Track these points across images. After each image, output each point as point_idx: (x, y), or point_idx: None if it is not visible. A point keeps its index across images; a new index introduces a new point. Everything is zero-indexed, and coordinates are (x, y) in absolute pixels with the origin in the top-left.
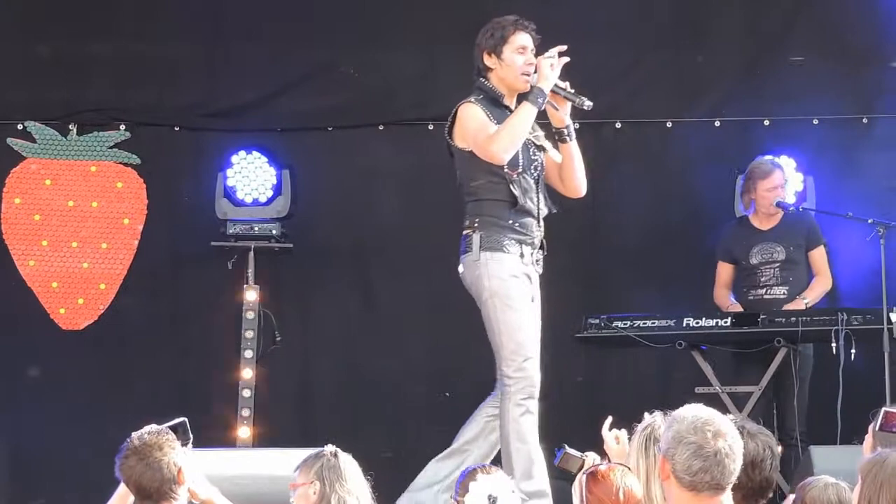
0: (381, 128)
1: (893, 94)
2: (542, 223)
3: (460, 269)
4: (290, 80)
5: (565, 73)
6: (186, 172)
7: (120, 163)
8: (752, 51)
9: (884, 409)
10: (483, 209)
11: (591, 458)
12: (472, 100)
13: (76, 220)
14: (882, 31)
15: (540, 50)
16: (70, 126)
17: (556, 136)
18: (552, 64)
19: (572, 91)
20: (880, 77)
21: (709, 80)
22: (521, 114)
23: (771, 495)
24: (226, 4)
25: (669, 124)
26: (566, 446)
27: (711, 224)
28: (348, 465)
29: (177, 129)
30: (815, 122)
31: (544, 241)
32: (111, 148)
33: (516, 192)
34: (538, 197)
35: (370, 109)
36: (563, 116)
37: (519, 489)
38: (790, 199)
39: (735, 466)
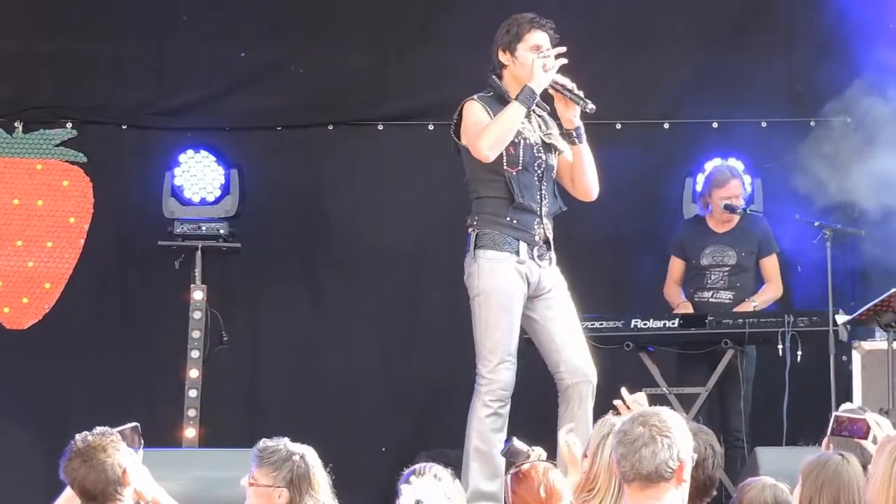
0: (330, 128)
1: (841, 97)
2: (545, 220)
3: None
4: (239, 79)
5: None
6: (133, 171)
7: (66, 161)
8: (702, 53)
9: (834, 413)
10: (483, 206)
11: (538, 453)
12: (476, 97)
13: (21, 219)
14: (829, 34)
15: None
16: (16, 123)
17: (566, 138)
18: (544, 65)
19: (579, 93)
20: (828, 80)
21: (658, 82)
22: (509, 112)
23: (715, 493)
24: (175, 3)
25: (619, 126)
26: (514, 438)
27: (660, 226)
28: (317, 467)
29: (124, 127)
30: (764, 124)
31: (550, 239)
32: (57, 146)
33: (514, 189)
34: (541, 194)
35: (319, 109)
36: (571, 118)
37: (479, 489)
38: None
39: (657, 458)
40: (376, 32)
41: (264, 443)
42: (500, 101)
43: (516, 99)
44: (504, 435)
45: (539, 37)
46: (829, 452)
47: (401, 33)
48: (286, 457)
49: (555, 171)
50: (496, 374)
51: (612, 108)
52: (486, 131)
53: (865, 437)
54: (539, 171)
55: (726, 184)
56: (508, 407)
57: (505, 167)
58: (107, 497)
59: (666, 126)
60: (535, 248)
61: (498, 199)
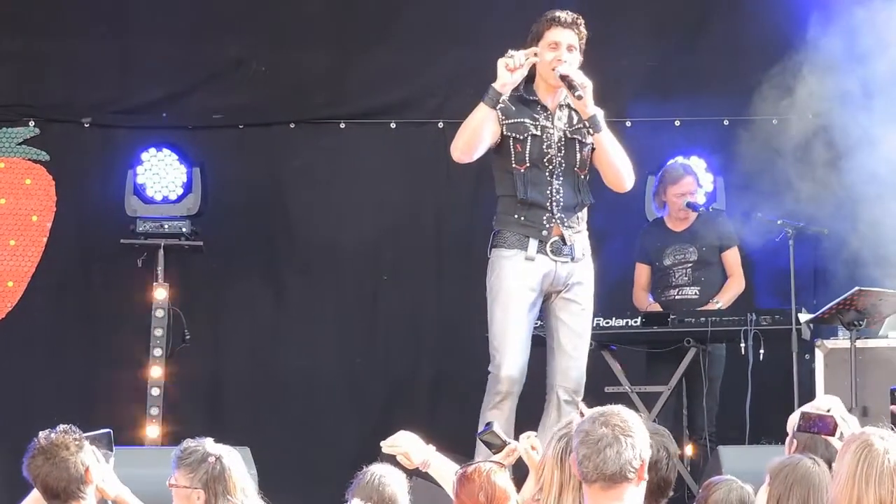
0: (292, 126)
1: (805, 96)
2: (559, 215)
3: None
4: (201, 77)
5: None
6: (96, 169)
7: (29, 159)
8: (663, 51)
9: (800, 410)
10: (499, 205)
11: (514, 445)
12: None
13: None
14: (791, 32)
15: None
16: None
17: (588, 129)
18: (507, 64)
19: (575, 83)
20: (790, 79)
21: (619, 80)
22: (474, 114)
23: (672, 494)
24: (137, 0)
25: None
26: (495, 424)
27: (623, 225)
28: (234, 468)
29: (86, 125)
30: (726, 122)
31: (567, 234)
32: (20, 144)
33: (518, 186)
34: (553, 189)
35: (281, 107)
36: (584, 108)
37: None
38: (700, 200)
39: (621, 459)
40: (338, 31)
41: (186, 443)
42: (519, 98)
43: (482, 100)
44: (505, 430)
45: (557, 34)
46: (798, 455)
47: (362, 32)
48: (202, 458)
49: (584, 164)
50: (496, 369)
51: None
52: (458, 136)
53: (832, 434)
54: (551, 167)
55: (680, 180)
56: (512, 403)
57: (513, 165)
58: (70, 495)
59: (628, 124)
60: (549, 244)
61: (508, 197)
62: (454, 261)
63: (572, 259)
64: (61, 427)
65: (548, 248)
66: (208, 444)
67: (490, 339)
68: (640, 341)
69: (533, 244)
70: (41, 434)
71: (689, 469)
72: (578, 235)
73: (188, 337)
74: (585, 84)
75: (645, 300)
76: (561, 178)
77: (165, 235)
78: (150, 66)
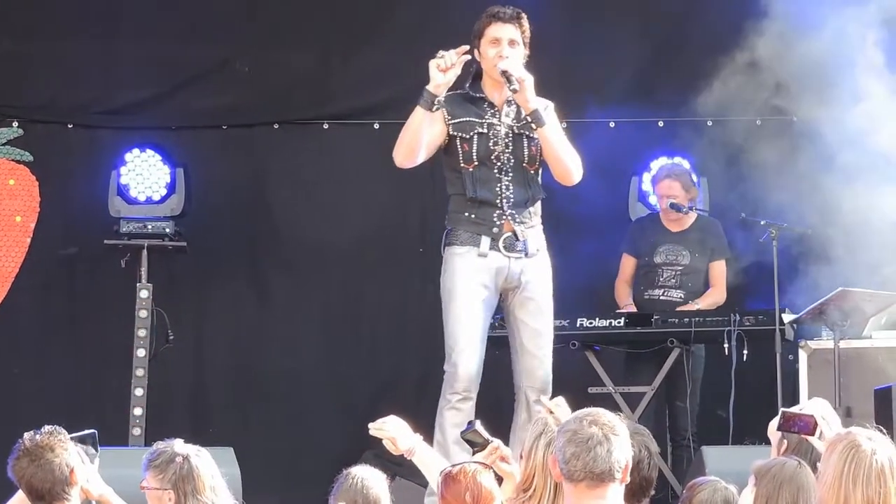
0: (276, 126)
1: (787, 96)
2: (510, 212)
3: None
4: (185, 78)
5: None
6: (80, 170)
7: (12, 160)
8: (647, 52)
9: (781, 409)
10: (451, 204)
11: (497, 443)
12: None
13: None
14: (773, 33)
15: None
16: None
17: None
18: (439, 65)
19: (514, 78)
20: (774, 79)
21: (603, 80)
22: (412, 118)
23: (654, 493)
24: (121, 1)
25: (564, 125)
26: (477, 423)
27: (606, 225)
28: (203, 468)
29: (70, 126)
30: (709, 123)
31: (519, 230)
32: (3, 145)
33: (467, 184)
34: (503, 186)
35: (265, 108)
36: (524, 102)
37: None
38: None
39: (611, 458)
40: (321, 31)
41: (156, 445)
42: (465, 97)
43: (419, 104)
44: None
45: (497, 30)
46: (783, 458)
47: (346, 32)
48: (170, 458)
49: (533, 160)
50: (453, 367)
51: (558, 107)
52: (398, 141)
53: (812, 434)
54: (499, 164)
55: (661, 181)
56: (471, 404)
57: (461, 164)
58: (54, 496)
59: (611, 125)
60: (501, 240)
61: (459, 196)
62: (438, 260)
63: (526, 255)
64: (46, 428)
65: (500, 245)
66: (177, 445)
67: (446, 338)
68: (623, 341)
69: (485, 241)
70: (26, 435)
71: (671, 469)
72: (531, 231)
73: (172, 337)
74: (523, 78)
75: (625, 294)
76: (510, 175)
77: (149, 236)
78: (133, 67)
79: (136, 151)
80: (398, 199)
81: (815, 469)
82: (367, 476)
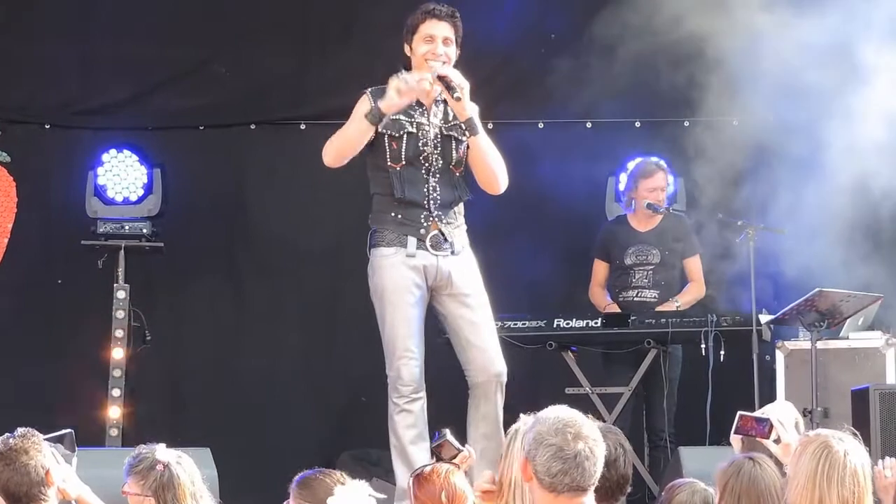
0: (252, 127)
1: (765, 97)
2: (437, 212)
3: None
4: (162, 78)
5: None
6: (57, 170)
7: None
8: (625, 53)
9: (739, 412)
10: (375, 204)
11: (468, 451)
12: (370, 90)
13: None
14: (748, 35)
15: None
16: None
17: (464, 130)
18: (399, 88)
19: (455, 84)
20: (751, 80)
21: (580, 81)
22: (353, 125)
23: (630, 490)
24: (97, 2)
25: (541, 125)
26: (448, 432)
27: (583, 225)
28: (183, 475)
29: (47, 126)
30: (686, 123)
31: (446, 230)
32: None
33: (395, 184)
34: (430, 187)
35: (242, 108)
36: (462, 110)
37: (402, 487)
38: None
39: (595, 469)
40: (298, 32)
41: (138, 450)
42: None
43: (365, 115)
44: (419, 431)
45: (432, 27)
46: (738, 457)
47: (323, 33)
48: (151, 465)
49: (460, 162)
50: (394, 370)
51: (535, 108)
52: (331, 142)
53: (767, 437)
54: (427, 164)
55: (653, 174)
56: (420, 403)
57: (389, 163)
58: (31, 499)
59: (588, 125)
60: (428, 239)
61: (384, 196)
62: None
63: (452, 253)
64: (20, 431)
65: (427, 244)
66: (159, 451)
67: (384, 343)
68: (600, 342)
69: (412, 241)
70: None
71: (649, 470)
72: (457, 230)
73: (149, 338)
74: (463, 85)
75: (602, 297)
76: (437, 176)
77: (126, 237)
78: (110, 67)
79: (113, 152)
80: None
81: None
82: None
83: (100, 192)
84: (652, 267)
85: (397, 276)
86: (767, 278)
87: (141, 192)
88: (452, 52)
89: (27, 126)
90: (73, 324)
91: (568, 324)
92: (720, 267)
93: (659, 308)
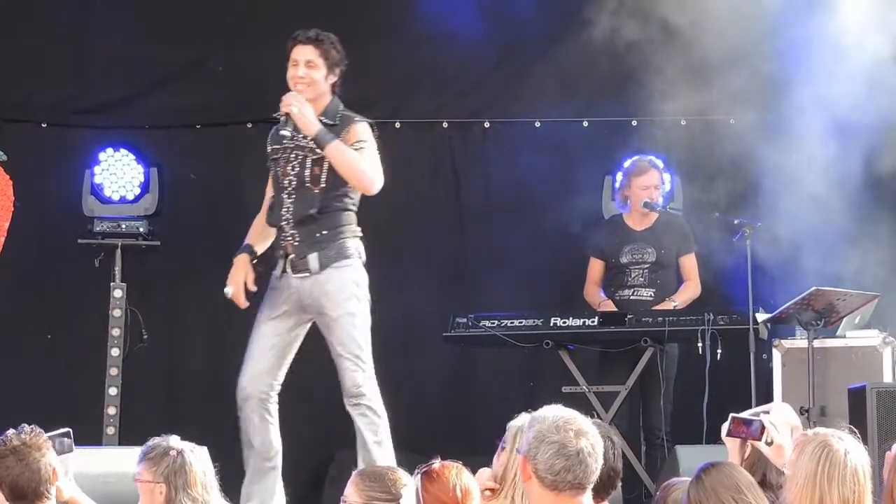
0: (249, 126)
1: (760, 96)
2: (291, 231)
3: None
4: (158, 77)
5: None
6: (54, 169)
7: None
8: (620, 51)
9: (731, 415)
10: None
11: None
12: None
13: None
14: (745, 33)
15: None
16: None
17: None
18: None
19: (280, 117)
20: (747, 79)
21: (577, 80)
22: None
23: (620, 484)
24: (94, 1)
25: (538, 124)
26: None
27: (579, 224)
28: (196, 463)
29: (44, 125)
30: (683, 122)
31: (301, 249)
32: None
33: (267, 212)
34: (285, 208)
35: (239, 107)
36: (304, 131)
37: None
38: (658, 200)
39: (597, 466)
40: (294, 30)
41: (152, 440)
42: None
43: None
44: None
45: (296, 52)
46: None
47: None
48: (164, 452)
49: (317, 180)
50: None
51: (531, 107)
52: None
53: (759, 439)
54: (284, 182)
55: (646, 172)
56: (249, 411)
57: (272, 193)
58: (37, 496)
59: (585, 124)
60: (288, 262)
61: None
62: (389, 264)
63: (310, 273)
64: (27, 427)
65: (288, 267)
66: (172, 440)
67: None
68: (597, 341)
69: (280, 264)
70: (10, 434)
71: (645, 468)
72: (316, 247)
73: (146, 337)
74: (289, 111)
75: (597, 295)
76: (294, 196)
77: (123, 235)
78: (107, 66)
79: (109, 151)
80: (367, 197)
81: (764, 478)
82: None
83: (96, 191)
84: (648, 266)
85: (268, 297)
86: (764, 277)
87: (138, 191)
88: (319, 73)
89: (24, 125)
90: (69, 322)
91: (564, 322)
92: (717, 266)
93: (656, 307)
